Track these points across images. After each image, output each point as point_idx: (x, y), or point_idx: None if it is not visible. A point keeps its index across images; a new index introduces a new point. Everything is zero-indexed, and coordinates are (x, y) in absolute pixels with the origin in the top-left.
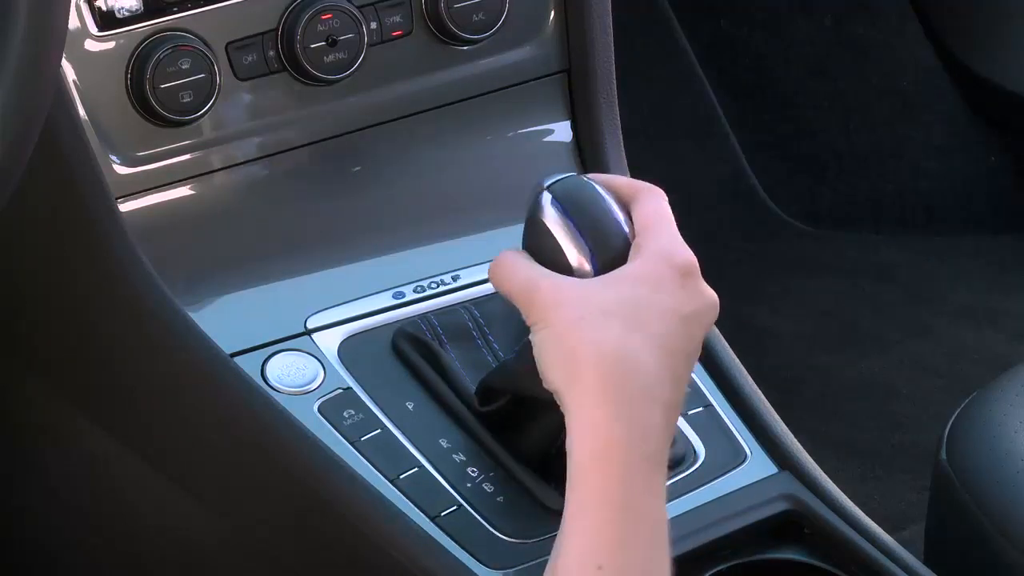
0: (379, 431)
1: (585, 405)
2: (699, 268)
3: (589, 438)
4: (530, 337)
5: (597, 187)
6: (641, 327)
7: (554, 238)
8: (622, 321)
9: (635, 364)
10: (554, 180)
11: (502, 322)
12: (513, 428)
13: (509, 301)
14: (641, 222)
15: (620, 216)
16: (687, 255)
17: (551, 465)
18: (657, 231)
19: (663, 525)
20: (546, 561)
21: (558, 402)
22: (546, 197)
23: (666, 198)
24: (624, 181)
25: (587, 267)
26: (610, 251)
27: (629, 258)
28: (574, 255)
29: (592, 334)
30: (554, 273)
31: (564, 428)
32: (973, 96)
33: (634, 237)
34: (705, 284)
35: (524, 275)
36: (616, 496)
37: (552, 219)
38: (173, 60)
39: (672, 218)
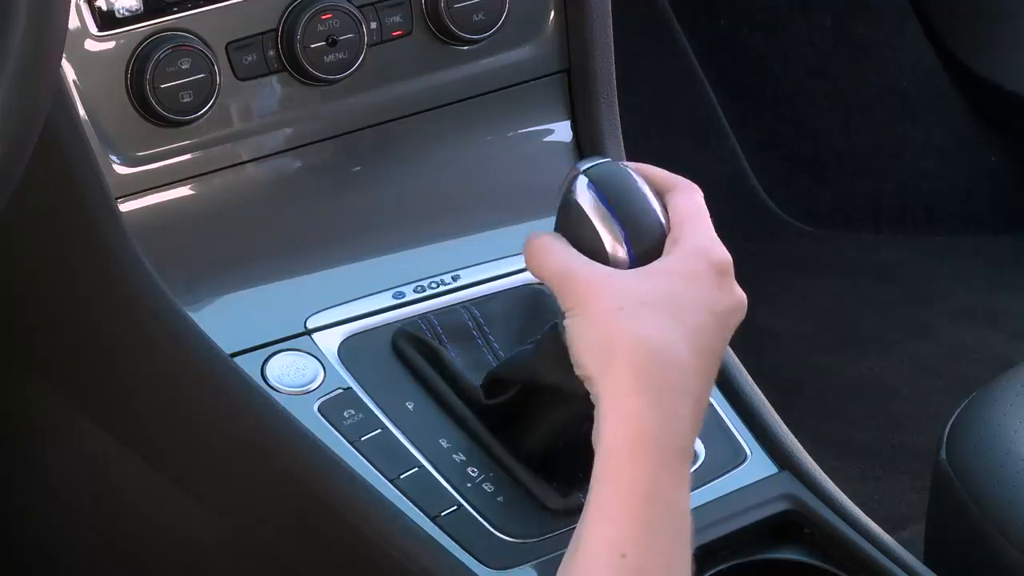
0: (379, 431)
1: (619, 394)
2: (733, 267)
3: (622, 426)
4: (564, 322)
5: (634, 174)
6: (677, 321)
7: (590, 222)
8: (659, 313)
9: (670, 357)
10: (591, 164)
11: (502, 322)
12: (517, 423)
13: (510, 300)
14: (678, 216)
15: (656, 206)
16: (723, 253)
17: (552, 464)
18: (694, 226)
19: (687, 518)
20: (546, 561)
21: (589, 389)
22: (582, 181)
23: (702, 193)
24: (660, 172)
25: (622, 254)
26: (646, 240)
27: (665, 251)
28: (609, 241)
29: (629, 324)
30: (591, 261)
31: (569, 425)
32: (973, 96)
33: (669, 228)
34: (736, 284)
35: (562, 260)
36: (645, 485)
37: (589, 203)
38: (173, 60)
39: (708, 214)
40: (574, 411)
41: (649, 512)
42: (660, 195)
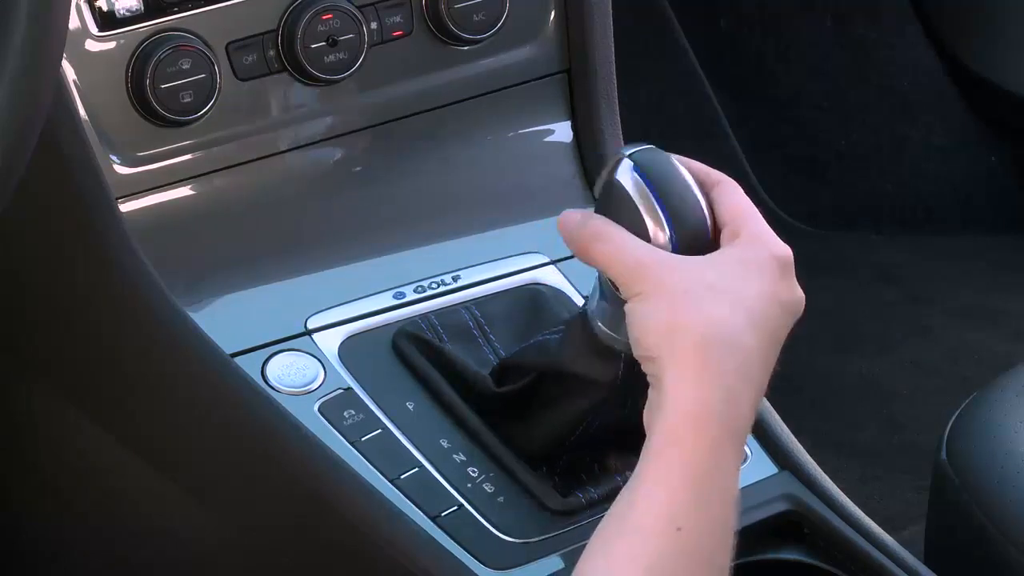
0: (379, 431)
1: (685, 374)
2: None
3: (689, 403)
4: (627, 306)
5: (677, 162)
6: (744, 308)
7: (634, 205)
8: (725, 298)
9: (736, 342)
10: (635, 149)
11: (502, 322)
12: (525, 414)
13: (511, 300)
14: (732, 209)
15: (699, 194)
16: (786, 248)
17: (555, 462)
18: (753, 219)
19: (736, 501)
20: (546, 561)
21: (647, 370)
22: (627, 164)
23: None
24: (701, 166)
25: (663, 239)
26: (688, 225)
27: (725, 241)
28: (651, 225)
29: (697, 307)
30: (652, 246)
31: (581, 418)
32: (973, 96)
33: (713, 219)
34: (797, 282)
35: (626, 246)
36: (704, 463)
37: (632, 187)
38: (173, 60)
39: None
40: (590, 402)
41: (706, 489)
42: (701, 186)
